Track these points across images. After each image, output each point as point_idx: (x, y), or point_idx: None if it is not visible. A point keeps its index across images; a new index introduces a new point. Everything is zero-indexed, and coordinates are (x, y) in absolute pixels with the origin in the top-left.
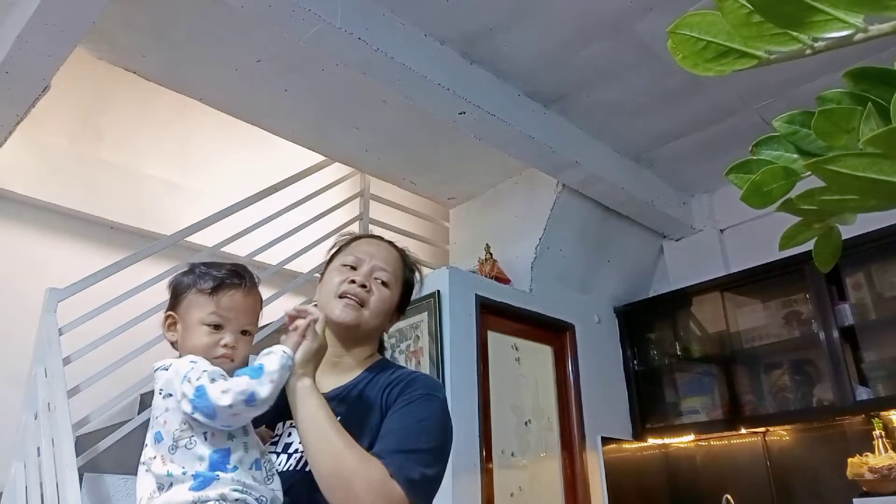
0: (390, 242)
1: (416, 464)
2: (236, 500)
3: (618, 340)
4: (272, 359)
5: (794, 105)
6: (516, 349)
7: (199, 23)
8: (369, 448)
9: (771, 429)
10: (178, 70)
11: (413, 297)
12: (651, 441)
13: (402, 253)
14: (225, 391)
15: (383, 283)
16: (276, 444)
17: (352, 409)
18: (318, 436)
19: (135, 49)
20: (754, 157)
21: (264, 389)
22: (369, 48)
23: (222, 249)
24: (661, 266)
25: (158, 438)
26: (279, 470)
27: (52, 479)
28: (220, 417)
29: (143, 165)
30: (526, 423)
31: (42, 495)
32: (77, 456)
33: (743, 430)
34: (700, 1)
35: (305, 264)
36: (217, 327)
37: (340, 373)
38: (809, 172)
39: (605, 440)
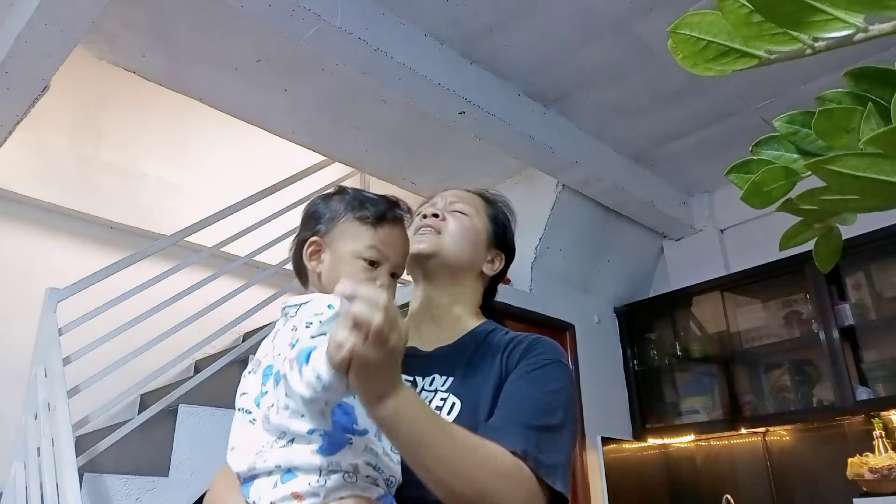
0: (468, 190)
1: (551, 443)
2: (367, 476)
3: (618, 340)
4: (298, 380)
5: (794, 105)
6: None
7: (199, 23)
8: (488, 416)
9: (771, 429)
10: (178, 70)
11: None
12: (651, 441)
13: (482, 192)
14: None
15: (460, 212)
16: None
17: (467, 370)
18: (436, 464)
19: (135, 49)
20: (754, 157)
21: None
22: (369, 48)
23: (222, 249)
24: (662, 266)
25: (278, 379)
26: None
27: (52, 479)
28: (294, 391)
29: (143, 165)
30: None
31: (42, 495)
32: (77, 456)
33: (743, 430)
34: (700, 1)
35: None
36: (373, 264)
37: (444, 329)
38: (809, 172)
39: (605, 440)
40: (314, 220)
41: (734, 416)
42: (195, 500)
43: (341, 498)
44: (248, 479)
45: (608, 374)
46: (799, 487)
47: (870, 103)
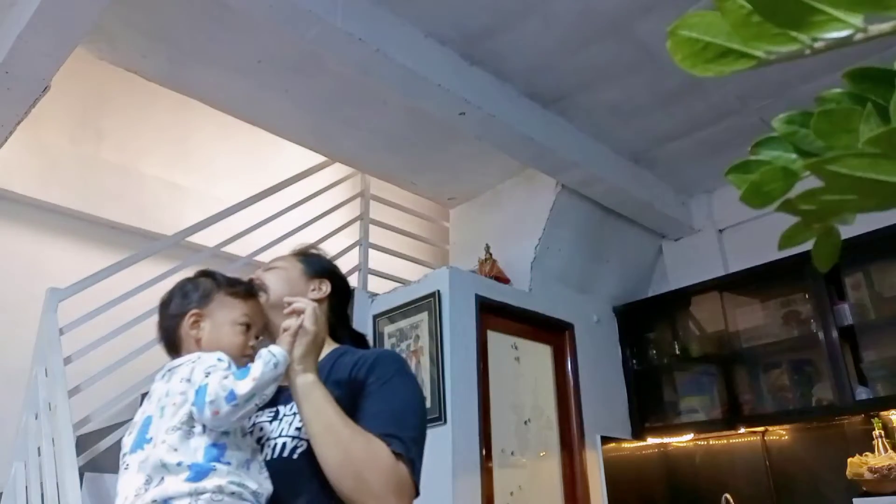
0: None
1: (413, 443)
2: (233, 493)
3: (617, 340)
4: (257, 361)
5: (794, 105)
6: (516, 349)
7: (199, 23)
8: None
9: (770, 428)
10: (178, 70)
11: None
12: (650, 440)
13: (292, 252)
14: (212, 390)
15: (268, 269)
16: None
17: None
18: (324, 428)
19: (135, 49)
20: (754, 157)
21: (244, 386)
22: (369, 48)
23: (223, 249)
24: (661, 266)
25: (162, 416)
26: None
27: (52, 479)
28: (204, 414)
29: (143, 165)
30: (525, 423)
31: (42, 495)
32: (77, 456)
33: (742, 430)
34: (700, 1)
35: None
36: (247, 327)
37: None
38: (809, 172)
39: (605, 439)
40: (186, 298)
41: (733, 416)
42: None
43: None
44: None
45: (607, 374)
46: (798, 487)
47: (870, 103)
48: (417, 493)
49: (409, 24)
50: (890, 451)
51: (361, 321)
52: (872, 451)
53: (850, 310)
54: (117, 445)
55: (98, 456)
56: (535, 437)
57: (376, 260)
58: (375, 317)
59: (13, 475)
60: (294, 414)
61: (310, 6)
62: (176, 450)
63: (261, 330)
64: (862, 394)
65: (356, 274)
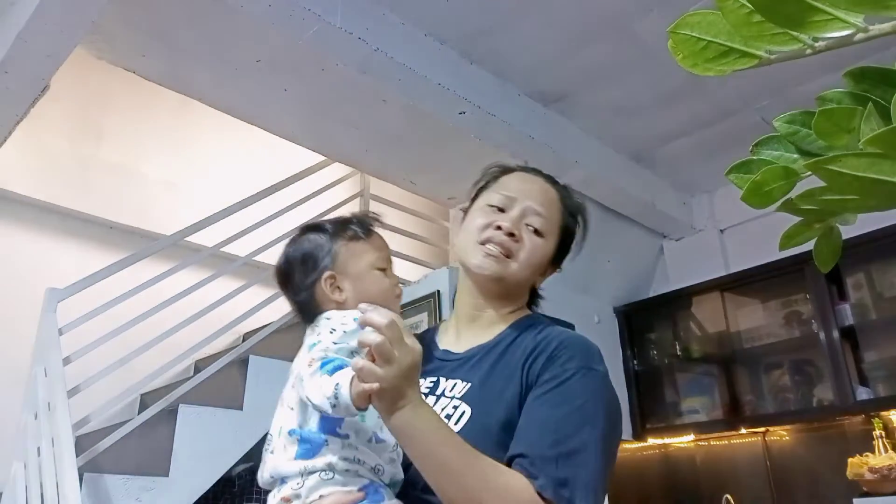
0: (549, 178)
1: (577, 470)
2: (346, 470)
3: (618, 340)
4: (322, 397)
5: (794, 105)
6: None
7: (199, 23)
8: (507, 423)
9: (771, 429)
10: (178, 70)
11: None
12: (651, 441)
13: (562, 192)
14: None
15: (536, 232)
16: None
17: (487, 377)
18: (439, 475)
19: (135, 49)
20: (754, 157)
21: (329, 411)
22: (369, 48)
23: (222, 249)
24: (661, 266)
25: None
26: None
27: (52, 479)
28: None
29: (143, 165)
30: None
31: (42, 495)
32: (77, 456)
33: (743, 430)
34: (700, 1)
35: None
36: (383, 270)
37: (480, 329)
38: (809, 172)
39: None
40: (308, 264)
41: (734, 416)
42: (195, 500)
43: (321, 497)
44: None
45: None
46: (799, 487)
47: (870, 103)
48: None
49: (408, 23)
50: (890, 451)
51: None
52: (873, 452)
53: (851, 310)
54: (117, 445)
55: (98, 456)
56: None
57: None
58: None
59: (13, 475)
60: (451, 397)
61: (309, 5)
62: (292, 409)
63: (391, 263)
64: (862, 394)
65: None
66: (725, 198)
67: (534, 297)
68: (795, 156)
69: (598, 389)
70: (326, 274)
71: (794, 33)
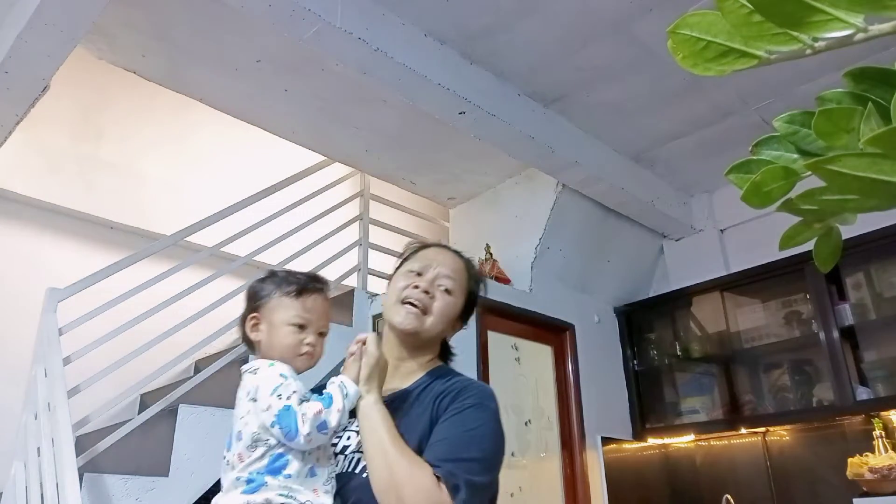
0: (457, 252)
1: (465, 472)
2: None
3: (618, 340)
4: (337, 392)
5: (794, 105)
6: (516, 349)
7: (199, 23)
8: (418, 448)
9: (771, 429)
10: (178, 70)
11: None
12: (651, 441)
13: (467, 263)
14: (304, 417)
15: (447, 291)
16: (333, 446)
17: (406, 414)
18: (376, 446)
19: (135, 49)
20: (754, 157)
21: (333, 419)
22: (369, 48)
23: (223, 249)
24: (661, 266)
25: (239, 437)
26: (337, 472)
27: (52, 479)
28: (297, 441)
29: (143, 165)
30: (526, 423)
31: (42, 495)
32: (77, 456)
33: (743, 430)
34: (700, 1)
35: (305, 264)
36: (301, 328)
37: (402, 376)
38: (809, 172)
39: (605, 440)
40: (252, 300)
41: (734, 416)
42: (195, 500)
43: None
44: None
45: (608, 374)
46: (799, 487)
47: (870, 103)
48: None
49: (408, 23)
50: (890, 451)
51: (361, 321)
52: (873, 452)
53: (851, 310)
54: (117, 445)
55: (98, 456)
56: (535, 438)
57: (376, 260)
58: (375, 317)
59: (13, 475)
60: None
61: (309, 5)
62: (246, 461)
63: (322, 327)
64: (862, 394)
65: (356, 274)
66: (725, 198)
67: (447, 352)
68: (795, 156)
69: (488, 420)
70: (252, 314)
71: (794, 33)
